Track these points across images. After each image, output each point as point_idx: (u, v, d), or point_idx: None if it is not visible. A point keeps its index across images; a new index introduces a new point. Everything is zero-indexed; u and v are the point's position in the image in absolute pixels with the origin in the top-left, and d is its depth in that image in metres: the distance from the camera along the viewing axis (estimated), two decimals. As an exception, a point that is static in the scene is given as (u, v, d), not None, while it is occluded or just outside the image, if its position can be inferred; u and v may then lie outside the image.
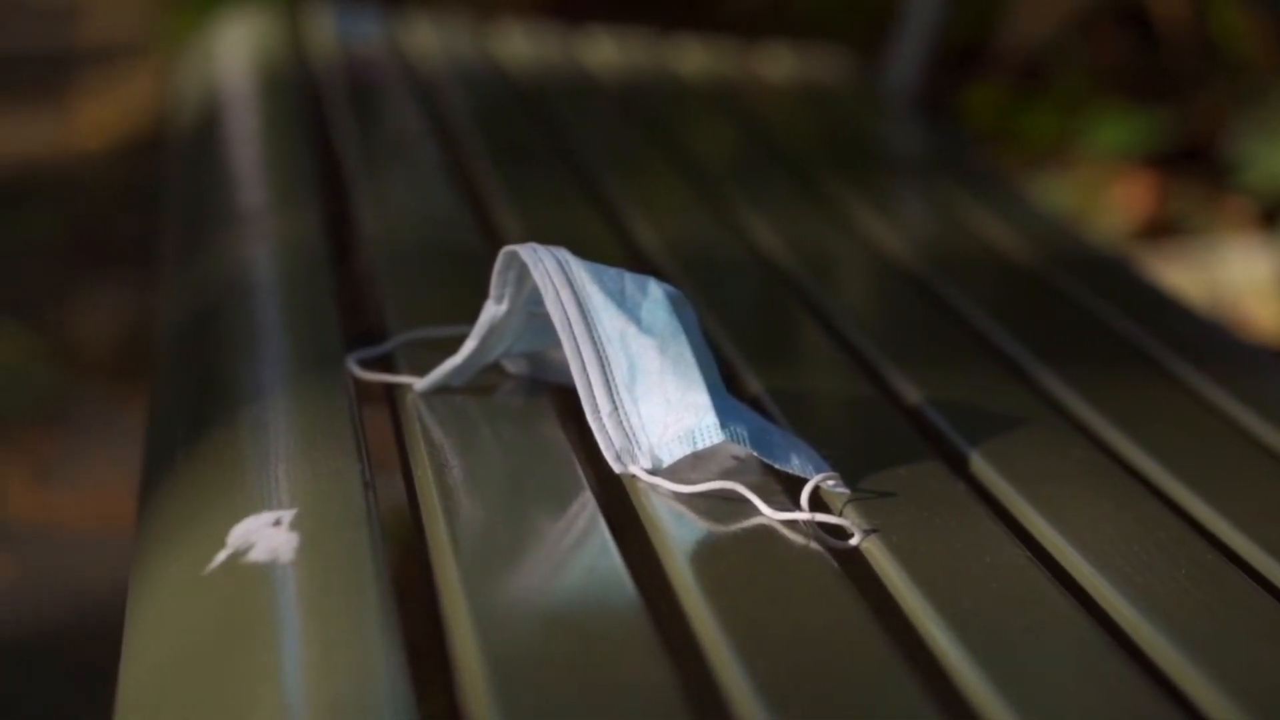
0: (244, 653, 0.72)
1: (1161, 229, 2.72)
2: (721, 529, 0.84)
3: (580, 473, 0.89)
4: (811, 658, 0.74)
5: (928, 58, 2.13)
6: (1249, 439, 1.10)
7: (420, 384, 0.98)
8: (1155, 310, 1.42)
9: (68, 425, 2.38)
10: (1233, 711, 0.73)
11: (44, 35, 4.16)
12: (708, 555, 0.83)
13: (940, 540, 0.87)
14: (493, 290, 0.95)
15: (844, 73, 2.22)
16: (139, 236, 2.77)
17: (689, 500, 0.86)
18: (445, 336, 1.03)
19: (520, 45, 2.13)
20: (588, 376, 0.90)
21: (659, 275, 1.11)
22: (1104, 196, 2.80)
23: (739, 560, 0.83)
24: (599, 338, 0.90)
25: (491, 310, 0.96)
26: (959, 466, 0.98)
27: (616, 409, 0.89)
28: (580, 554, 0.82)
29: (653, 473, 0.88)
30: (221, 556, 0.80)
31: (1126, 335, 1.31)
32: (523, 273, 0.94)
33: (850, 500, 0.89)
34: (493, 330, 0.96)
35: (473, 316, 0.96)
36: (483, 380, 0.99)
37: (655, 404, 0.89)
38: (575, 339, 0.90)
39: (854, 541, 0.85)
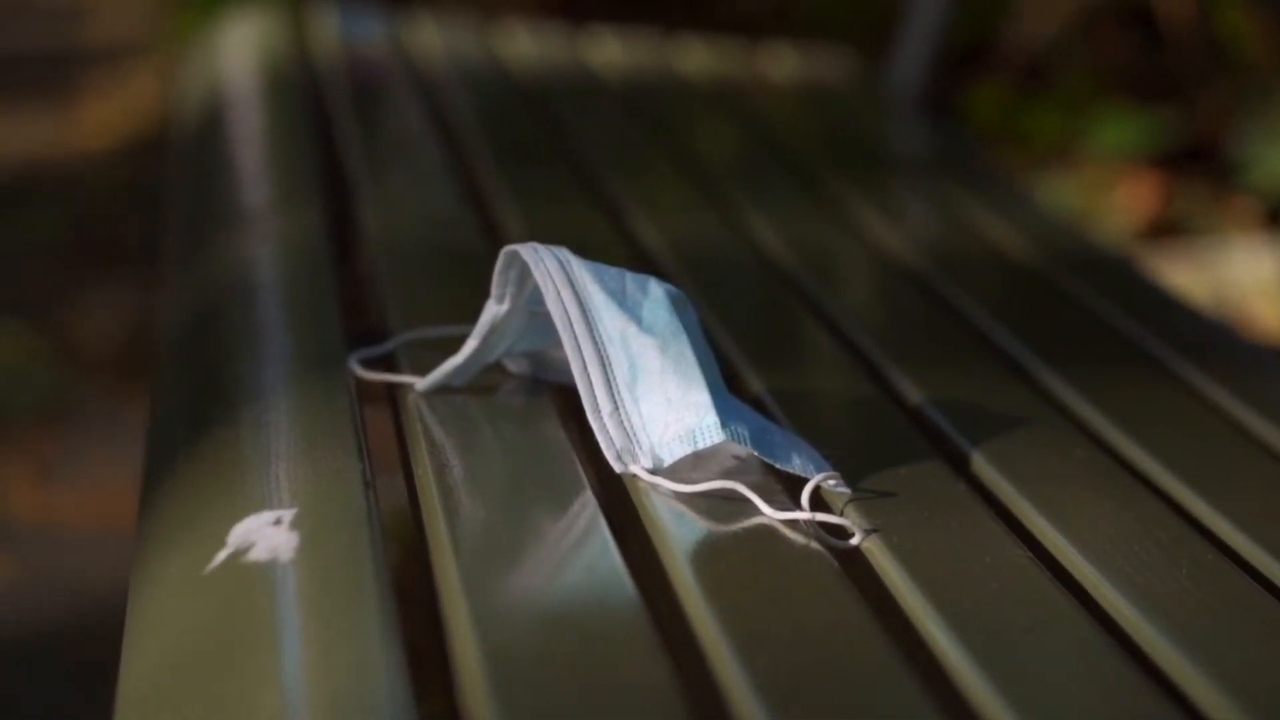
0: (244, 652, 0.72)
1: (1166, 229, 2.72)
2: (722, 528, 0.84)
3: (581, 472, 0.89)
4: (812, 657, 0.74)
5: (931, 58, 2.13)
6: (1252, 439, 1.10)
7: (421, 383, 0.98)
8: (1158, 310, 1.42)
9: (69, 425, 2.38)
10: (1233, 712, 0.73)
11: (48, 35, 4.16)
12: (708, 555, 0.83)
13: (941, 540, 0.86)
14: (494, 290, 0.95)
15: (847, 73, 2.22)
16: (142, 236, 2.77)
17: (690, 500, 0.86)
18: (446, 336, 1.03)
19: (524, 45, 2.13)
20: (588, 376, 0.90)
21: (661, 275, 1.10)
22: (1108, 196, 2.80)
23: (739, 560, 0.83)
24: (600, 337, 0.90)
25: (493, 310, 0.96)
26: (960, 466, 0.98)
27: (617, 408, 0.89)
28: (580, 553, 0.82)
29: (653, 472, 0.88)
30: (222, 556, 0.80)
31: (1129, 335, 1.30)
32: (524, 272, 0.94)
33: (851, 500, 0.89)
34: (494, 330, 0.96)
35: (475, 316, 0.96)
36: (484, 380, 0.99)
37: (656, 403, 0.89)
38: (576, 338, 0.90)
39: (855, 541, 0.85)
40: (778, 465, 0.88)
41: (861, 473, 0.91)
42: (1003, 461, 0.98)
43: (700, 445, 0.88)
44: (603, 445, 0.89)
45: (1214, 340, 1.38)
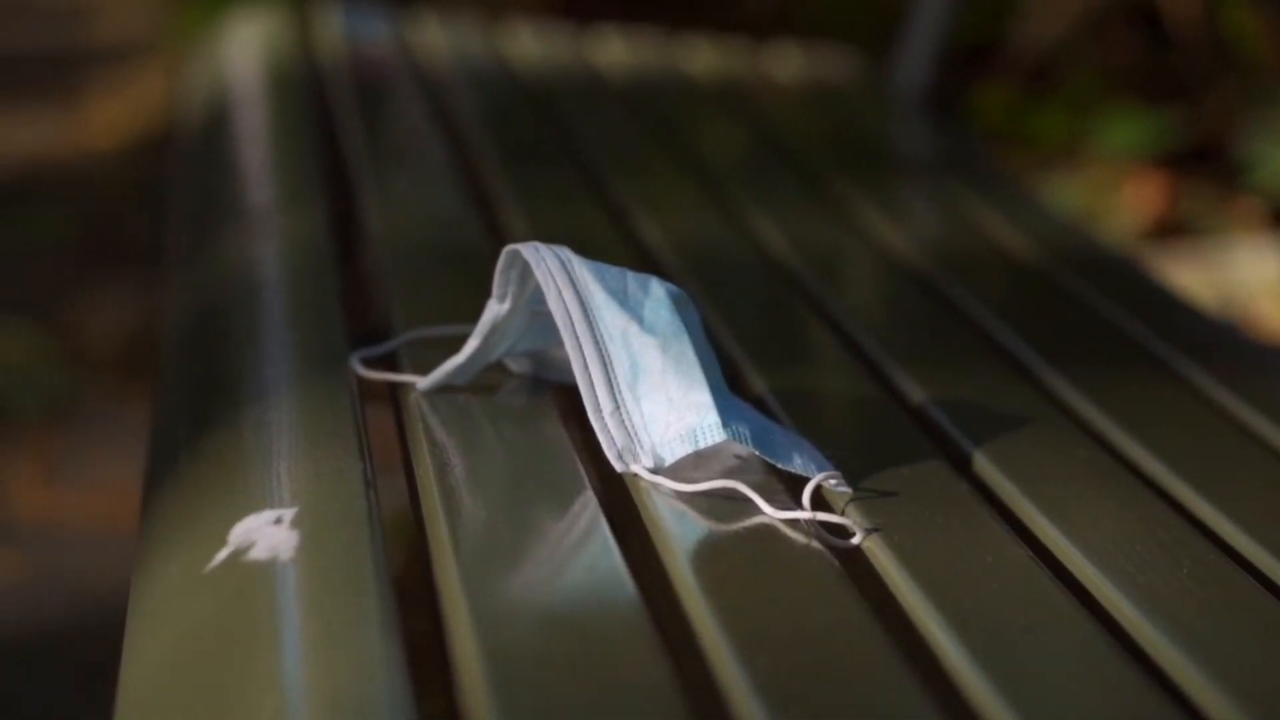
0: (244, 651, 0.72)
1: (1172, 229, 2.72)
2: (723, 528, 0.84)
3: (582, 471, 0.89)
4: (812, 657, 0.74)
5: (936, 58, 2.13)
6: (1256, 440, 1.10)
7: (423, 383, 0.98)
8: (1162, 311, 1.41)
9: (75, 424, 2.38)
10: (1234, 713, 0.73)
11: (54, 34, 4.16)
12: (709, 554, 0.83)
13: (942, 540, 0.86)
14: (495, 289, 0.95)
15: (852, 73, 2.22)
16: (149, 236, 2.77)
17: (691, 499, 0.86)
18: (448, 335, 1.03)
19: (529, 45, 2.13)
20: (590, 375, 0.90)
21: (666, 275, 1.11)
22: (1114, 197, 2.79)
23: (740, 559, 0.82)
24: (601, 336, 0.90)
25: (494, 309, 0.96)
26: (962, 466, 0.98)
27: (619, 408, 0.89)
28: (581, 553, 0.82)
29: (655, 471, 0.88)
30: (222, 555, 0.80)
31: (1133, 335, 1.30)
32: (525, 271, 0.94)
33: (852, 499, 0.88)
34: (495, 329, 0.96)
35: (478, 316, 0.96)
36: (485, 379, 0.99)
37: (657, 403, 0.89)
38: (577, 337, 0.90)
39: (856, 541, 0.85)
40: (779, 464, 0.88)
41: (863, 472, 0.91)
42: (1005, 461, 0.98)
43: (701, 444, 0.88)
44: (604, 444, 0.89)
45: (1219, 341, 1.38)
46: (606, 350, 0.90)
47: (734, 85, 2.10)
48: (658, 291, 0.91)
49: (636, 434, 0.89)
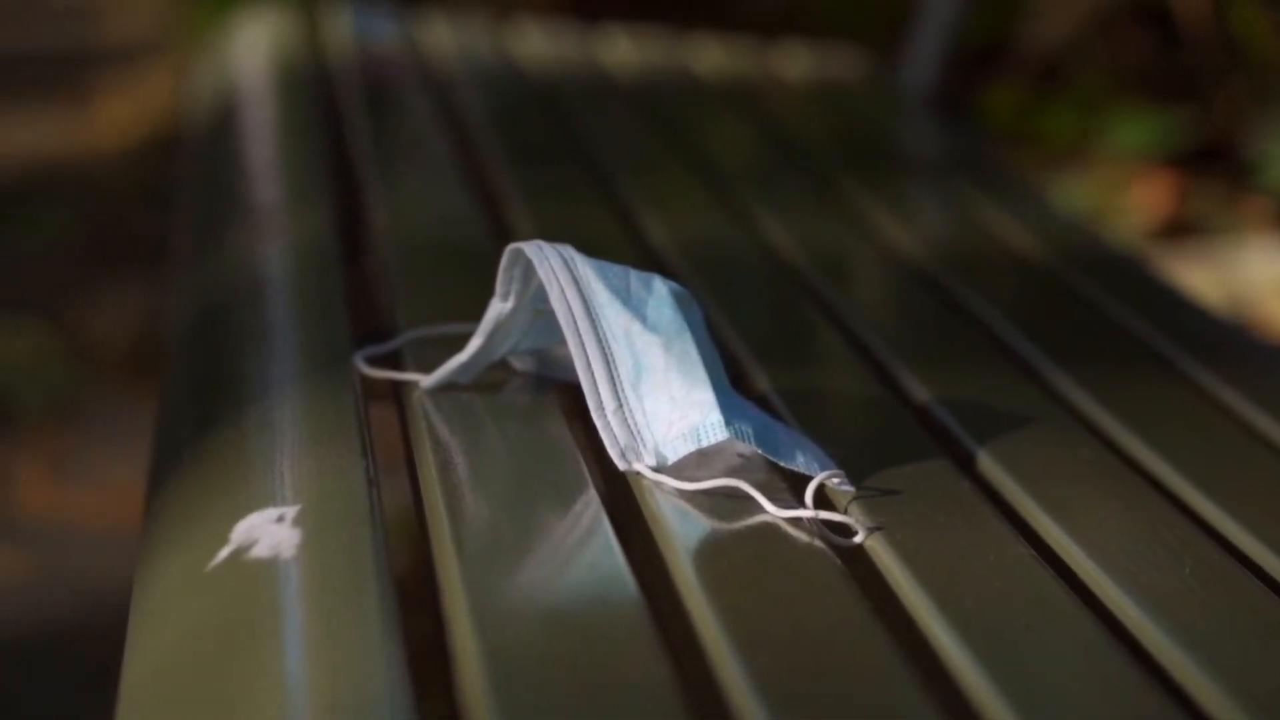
0: (245, 650, 0.72)
1: (1181, 229, 2.71)
2: (725, 526, 0.84)
3: (585, 470, 0.89)
4: (814, 656, 0.73)
5: (944, 57, 2.13)
6: (1262, 441, 1.10)
7: (426, 381, 0.98)
8: (1170, 311, 1.41)
9: (80, 423, 2.38)
10: (1237, 713, 0.73)
11: (62, 34, 4.17)
12: (711, 553, 0.83)
13: (944, 539, 0.86)
14: (499, 287, 0.95)
15: (860, 72, 2.22)
16: (156, 235, 2.77)
17: (693, 498, 0.86)
18: (452, 334, 1.03)
19: (536, 44, 2.13)
20: (592, 373, 0.89)
21: (672, 274, 1.10)
22: (1124, 197, 2.79)
23: (742, 558, 0.82)
24: (604, 335, 0.90)
25: (498, 307, 0.96)
26: (966, 465, 0.97)
27: (621, 406, 0.89)
28: (583, 552, 0.82)
29: (657, 470, 0.87)
30: (225, 553, 0.80)
31: (1141, 335, 1.30)
32: (528, 270, 0.94)
33: (855, 498, 0.88)
34: (499, 327, 0.96)
35: (482, 315, 0.96)
36: (489, 377, 0.99)
37: (660, 401, 0.89)
38: (580, 336, 0.90)
39: (858, 539, 0.84)
40: (782, 463, 0.88)
41: (867, 471, 0.91)
42: (1009, 461, 0.98)
43: (704, 443, 0.87)
44: (606, 443, 0.89)
45: (1226, 341, 1.37)
46: (609, 349, 0.90)
47: (742, 85, 2.10)
48: (660, 290, 0.91)
49: (639, 432, 0.88)
